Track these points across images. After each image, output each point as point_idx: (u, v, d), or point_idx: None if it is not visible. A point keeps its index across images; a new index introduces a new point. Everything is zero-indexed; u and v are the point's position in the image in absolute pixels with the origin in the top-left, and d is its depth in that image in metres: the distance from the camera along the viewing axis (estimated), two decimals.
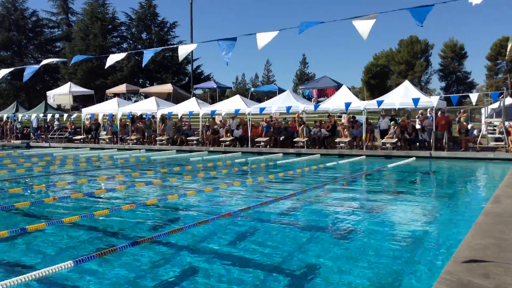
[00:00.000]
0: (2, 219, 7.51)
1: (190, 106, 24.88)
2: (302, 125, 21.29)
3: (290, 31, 6.54)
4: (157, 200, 8.78)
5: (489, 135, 19.26)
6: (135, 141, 25.39)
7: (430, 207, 8.56)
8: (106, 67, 8.81)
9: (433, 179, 13.75)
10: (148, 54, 8.12)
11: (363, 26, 5.92)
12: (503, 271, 3.34)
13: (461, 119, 19.61)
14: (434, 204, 9.04)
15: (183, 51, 7.91)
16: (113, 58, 8.29)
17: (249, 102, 25.21)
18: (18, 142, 28.93)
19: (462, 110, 20.75)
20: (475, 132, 19.46)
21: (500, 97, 20.01)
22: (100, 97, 37.12)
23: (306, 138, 20.85)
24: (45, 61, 8.91)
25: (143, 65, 7.94)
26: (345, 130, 20.55)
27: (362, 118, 20.51)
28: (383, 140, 19.53)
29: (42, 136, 29.61)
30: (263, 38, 6.70)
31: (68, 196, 9.37)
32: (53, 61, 9.45)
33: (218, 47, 6.92)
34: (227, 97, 37.51)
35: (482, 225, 4.89)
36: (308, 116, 24.92)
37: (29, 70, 8.60)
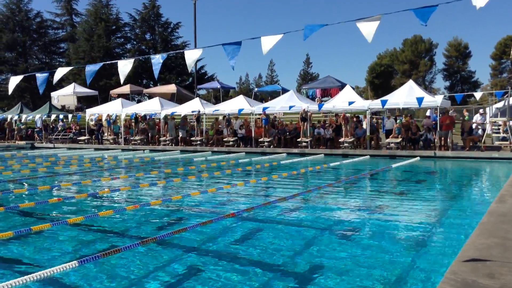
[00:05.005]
0: (7, 220, 7.54)
1: (193, 106, 24.90)
2: (305, 122, 21.14)
3: (293, 30, 6.54)
4: (161, 200, 8.79)
5: (494, 135, 19.17)
6: (139, 141, 25.45)
7: (434, 207, 8.53)
8: (122, 82, 8.89)
9: (438, 179, 13.70)
10: (157, 65, 8.15)
11: (368, 28, 5.92)
12: (508, 271, 3.32)
13: (465, 118, 19.53)
14: (438, 203, 9.02)
15: (190, 59, 7.93)
16: (124, 70, 8.34)
17: (253, 102, 25.20)
18: (22, 143, 29.06)
19: (464, 110, 20.72)
20: (479, 131, 19.37)
21: (505, 96, 19.92)
22: (104, 98, 37.21)
23: (310, 138, 20.82)
24: (58, 74, 8.99)
25: (155, 76, 8.00)
26: (347, 126, 20.38)
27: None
28: (387, 140, 19.48)
29: (43, 137, 29.66)
30: (268, 42, 6.72)
31: (73, 197, 9.41)
32: (65, 71, 9.49)
33: (223, 50, 6.94)
34: (231, 97, 37.52)
35: (487, 225, 4.87)
36: (312, 116, 24.85)
37: (41, 79, 8.73)
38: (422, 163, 16.22)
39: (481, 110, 20.63)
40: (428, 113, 22.82)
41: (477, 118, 20.04)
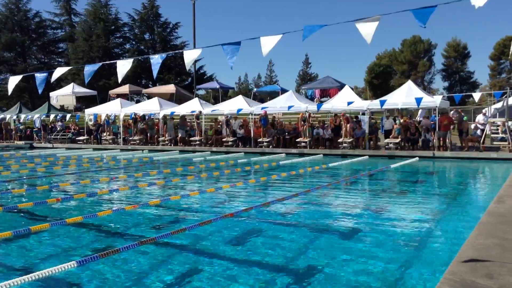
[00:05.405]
0: (6, 220, 7.53)
1: (193, 106, 24.89)
2: (305, 125, 21.21)
3: (292, 31, 6.55)
4: (160, 200, 8.78)
5: (493, 135, 19.20)
6: (138, 141, 25.43)
7: (433, 207, 8.54)
8: (119, 81, 8.95)
9: (436, 179, 13.71)
10: (156, 65, 8.18)
11: (367, 29, 5.93)
12: (507, 272, 3.33)
13: (464, 118, 19.55)
14: (437, 204, 9.02)
15: (189, 59, 7.94)
16: (122, 70, 8.37)
17: (252, 102, 25.19)
18: (21, 143, 29.02)
19: (459, 110, 20.77)
20: (478, 132, 19.39)
21: (503, 97, 19.93)
22: (103, 98, 37.16)
23: (309, 138, 20.82)
24: (57, 73, 9.02)
25: (154, 76, 8.05)
26: (347, 126, 20.38)
27: (365, 118, 20.46)
28: (386, 140, 19.49)
29: (42, 137, 29.62)
30: (267, 43, 6.73)
31: (71, 197, 9.40)
32: (64, 71, 9.54)
33: (222, 50, 6.96)
34: (230, 97, 37.49)
35: (486, 225, 4.87)
36: (311, 116, 24.83)
37: (40, 79, 8.77)
38: (421, 163, 16.24)
39: (484, 111, 20.64)
40: (419, 115, 22.90)
41: (479, 118, 20.06)
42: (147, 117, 26.67)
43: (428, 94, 21.08)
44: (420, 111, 22.77)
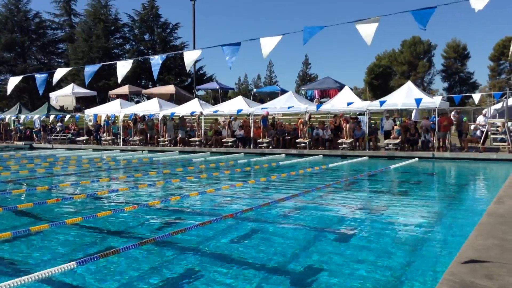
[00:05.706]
0: (5, 220, 7.53)
1: (192, 107, 24.89)
2: (304, 126, 21.22)
3: (292, 31, 6.56)
4: (160, 201, 8.78)
5: (492, 136, 19.21)
6: (138, 142, 25.42)
7: (433, 208, 8.54)
8: (119, 82, 9.01)
9: (436, 180, 13.72)
10: (156, 66, 8.22)
11: (367, 30, 5.93)
12: (506, 272, 3.33)
13: (464, 119, 19.56)
14: (437, 205, 9.02)
15: (189, 59, 7.97)
16: (122, 71, 8.40)
17: (252, 103, 25.20)
18: (21, 143, 29.01)
19: (458, 111, 20.76)
20: (477, 132, 19.39)
21: (503, 98, 19.93)
22: (103, 98, 37.15)
23: (309, 139, 20.82)
24: (57, 74, 9.05)
25: (155, 78, 8.10)
26: (346, 126, 20.40)
27: (364, 119, 20.46)
28: (386, 141, 19.49)
29: (41, 137, 29.62)
30: (267, 44, 6.74)
31: (71, 197, 9.40)
32: (64, 72, 9.58)
33: (222, 51, 6.97)
34: (230, 98, 37.49)
35: (485, 226, 4.88)
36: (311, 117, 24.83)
37: (40, 80, 8.80)
38: (421, 164, 16.24)
39: (484, 112, 20.63)
40: (413, 116, 22.87)
41: (480, 120, 20.05)
42: (147, 118, 26.66)
43: (427, 95, 21.08)
44: (414, 112, 22.73)
